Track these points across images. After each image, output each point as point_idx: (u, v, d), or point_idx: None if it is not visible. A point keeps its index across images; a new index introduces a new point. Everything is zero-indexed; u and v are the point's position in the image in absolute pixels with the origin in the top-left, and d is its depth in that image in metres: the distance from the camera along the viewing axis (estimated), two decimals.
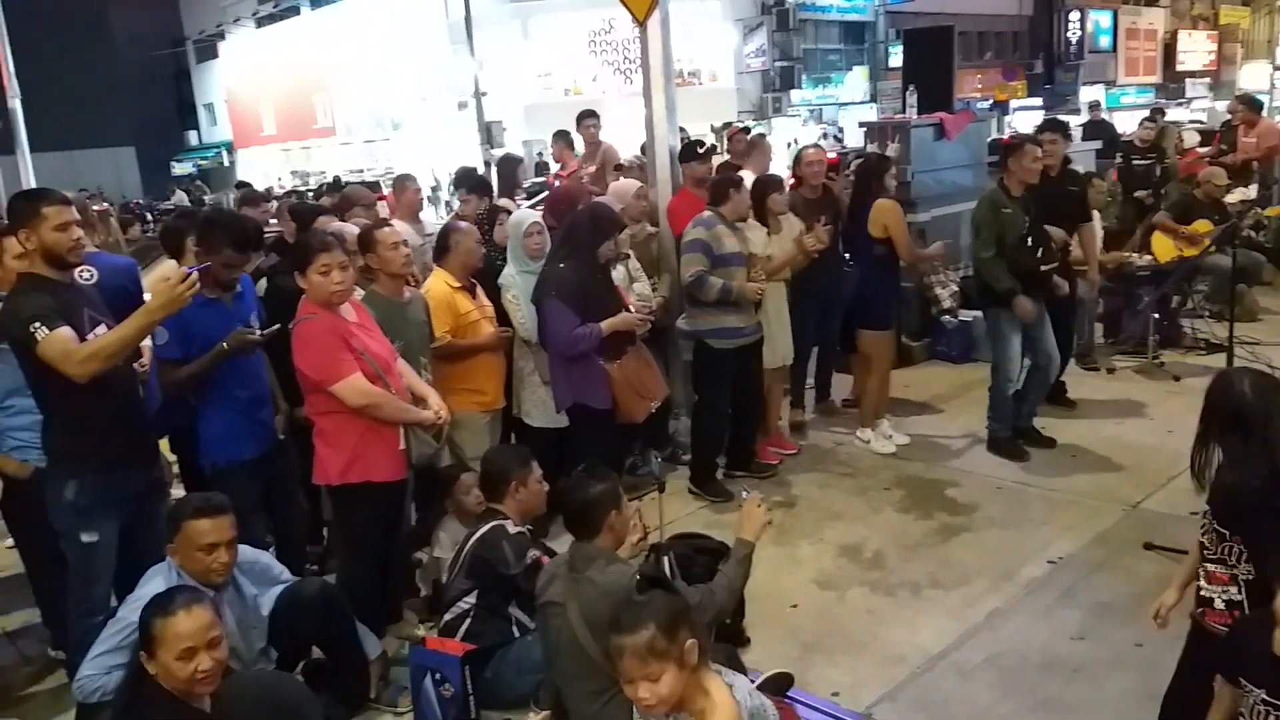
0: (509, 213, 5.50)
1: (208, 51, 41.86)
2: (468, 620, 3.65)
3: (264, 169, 35.67)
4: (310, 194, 19.38)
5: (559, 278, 4.61)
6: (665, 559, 3.55)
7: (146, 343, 3.72)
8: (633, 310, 4.87)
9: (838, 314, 6.32)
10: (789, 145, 20.58)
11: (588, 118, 7.56)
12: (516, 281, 4.89)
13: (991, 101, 29.75)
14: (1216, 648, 2.55)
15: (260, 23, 38.18)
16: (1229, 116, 11.45)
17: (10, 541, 4.40)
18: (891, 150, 7.45)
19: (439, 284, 4.67)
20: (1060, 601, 4.14)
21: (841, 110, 29.99)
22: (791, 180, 6.42)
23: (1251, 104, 10.48)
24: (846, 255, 6.27)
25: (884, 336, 6.05)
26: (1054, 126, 6.38)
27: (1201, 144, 12.17)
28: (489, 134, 23.97)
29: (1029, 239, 5.48)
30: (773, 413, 5.99)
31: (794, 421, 6.40)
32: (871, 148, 8.11)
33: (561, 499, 3.24)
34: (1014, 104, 31.37)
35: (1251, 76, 35.22)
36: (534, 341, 4.86)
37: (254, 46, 38.08)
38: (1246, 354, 6.20)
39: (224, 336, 3.72)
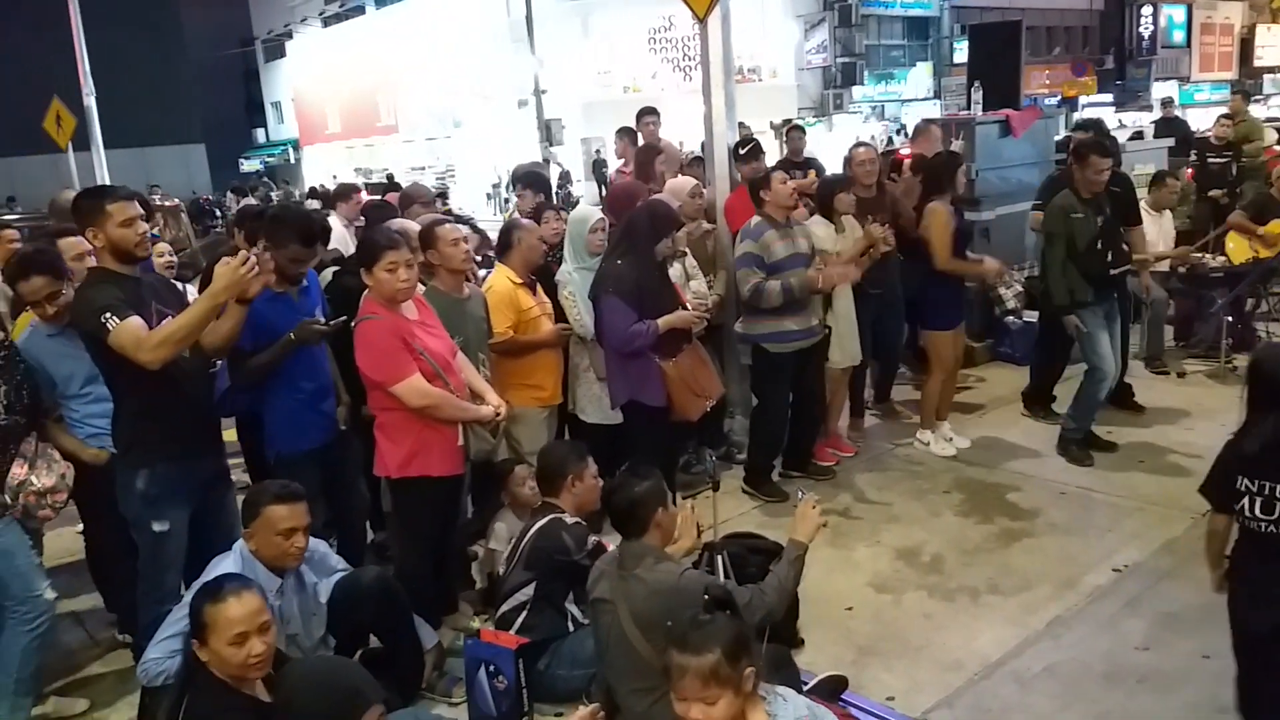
0: (555, 210, 5.54)
1: (276, 51, 42.85)
2: (524, 612, 3.68)
3: (328, 166, 36.37)
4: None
5: (617, 274, 4.61)
6: (719, 558, 3.54)
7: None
8: (689, 308, 4.86)
9: (897, 314, 6.21)
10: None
11: (647, 115, 7.54)
12: (574, 278, 4.91)
13: (1060, 98, 29.18)
14: None
15: (326, 22, 38.96)
16: None
17: (80, 527, 4.52)
18: (956, 146, 7.31)
19: (501, 280, 4.70)
20: (1125, 611, 4.04)
21: (904, 107, 29.67)
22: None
23: None
24: (900, 256, 6.10)
25: (947, 337, 5.94)
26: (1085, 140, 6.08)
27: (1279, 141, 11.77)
28: (548, 131, 24.14)
29: (1099, 242, 5.35)
30: (834, 414, 5.92)
31: (852, 423, 6.31)
32: (906, 150, 7.88)
33: (607, 498, 3.25)
34: (1083, 100, 30.72)
35: None
36: (590, 338, 4.88)
37: (320, 46, 38.88)
38: None
39: (290, 329, 3.78)
